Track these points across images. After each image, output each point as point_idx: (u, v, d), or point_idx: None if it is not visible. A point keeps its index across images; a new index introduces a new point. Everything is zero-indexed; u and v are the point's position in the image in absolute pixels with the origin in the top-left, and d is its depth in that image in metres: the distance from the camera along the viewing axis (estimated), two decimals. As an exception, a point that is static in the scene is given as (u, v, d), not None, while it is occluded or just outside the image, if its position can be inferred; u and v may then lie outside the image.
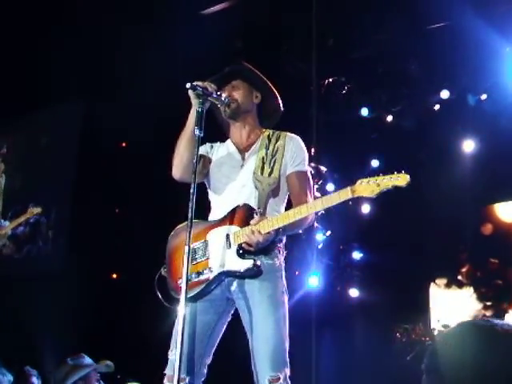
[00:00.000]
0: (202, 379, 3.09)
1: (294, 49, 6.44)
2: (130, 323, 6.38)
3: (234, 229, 3.06)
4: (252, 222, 2.98)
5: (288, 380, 2.97)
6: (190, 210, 2.83)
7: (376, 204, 6.40)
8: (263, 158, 3.22)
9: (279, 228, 2.99)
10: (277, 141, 3.27)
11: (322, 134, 6.21)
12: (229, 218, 3.10)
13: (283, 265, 3.17)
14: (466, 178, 6.15)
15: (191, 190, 2.87)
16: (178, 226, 3.26)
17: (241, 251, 3.02)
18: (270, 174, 3.18)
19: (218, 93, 3.16)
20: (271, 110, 3.42)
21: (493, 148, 6.10)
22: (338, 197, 2.90)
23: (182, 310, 2.76)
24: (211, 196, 3.34)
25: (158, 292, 3.17)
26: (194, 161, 2.96)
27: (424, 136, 6.34)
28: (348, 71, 6.50)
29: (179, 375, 2.71)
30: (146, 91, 6.22)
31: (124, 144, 7.38)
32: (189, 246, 2.80)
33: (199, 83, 3.07)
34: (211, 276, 3.06)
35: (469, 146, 6.23)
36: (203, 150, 3.27)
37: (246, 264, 3.00)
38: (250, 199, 3.13)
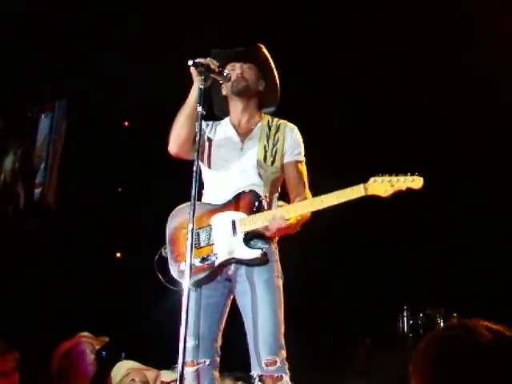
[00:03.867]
0: (218, 358, 3.14)
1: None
2: (134, 302, 6.40)
3: (240, 215, 3.06)
4: (278, 203, 3.03)
5: (285, 362, 3.02)
6: (193, 188, 2.83)
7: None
8: (265, 146, 3.24)
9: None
10: (277, 130, 3.29)
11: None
12: (234, 204, 3.11)
13: (277, 248, 3.19)
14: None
15: (194, 168, 2.87)
16: (178, 207, 3.26)
17: (248, 239, 3.04)
18: (272, 163, 3.21)
19: (220, 69, 3.14)
20: (269, 101, 3.45)
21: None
22: (350, 193, 2.90)
23: (186, 296, 2.76)
24: (206, 177, 3.34)
25: (159, 274, 3.19)
26: (197, 138, 2.97)
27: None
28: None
29: (184, 358, 2.72)
30: (149, 69, 6.19)
31: (127, 123, 7.35)
32: (193, 224, 2.79)
33: (201, 60, 3.06)
34: (216, 262, 3.07)
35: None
36: (198, 127, 3.28)
37: (253, 253, 3.02)
38: (255, 185, 3.15)
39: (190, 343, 3.01)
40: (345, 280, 6.24)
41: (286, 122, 3.37)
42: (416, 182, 2.77)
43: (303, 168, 3.30)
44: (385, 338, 6.10)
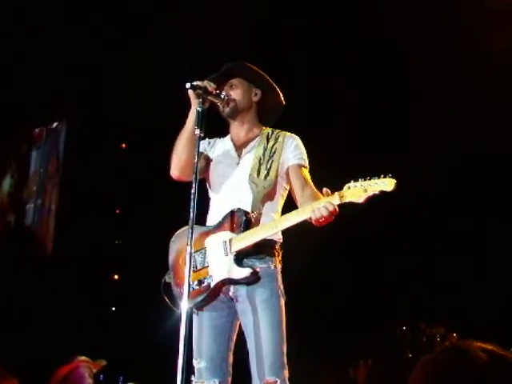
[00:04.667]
0: (230, 378, 3.13)
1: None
2: (131, 324, 6.36)
3: (229, 235, 3.05)
4: (324, 192, 2.88)
5: (287, 382, 2.98)
6: (191, 210, 2.82)
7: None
8: (260, 159, 3.21)
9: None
10: (276, 141, 3.26)
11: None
12: (225, 224, 3.10)
13: (279, 266, 3.15)
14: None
15: (192, 190, 2.87)
16: (178, 232, 3.28)
17: (240, 258, 3.02)
18: (265, 177, 3.16)
19: (218, 91, 3.16)
20: (272, 106, 3.41)
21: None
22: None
23: (183, 317, 2.75)
24: (210, 195, 3.36)
25: (166, 297, 3.20)
26: (195, 160, 2.95)
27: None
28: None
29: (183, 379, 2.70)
30: (145, 91, 6.21)
31: (124, 145, 7.36)
32: (191, 247, 2.78)
33: (199, 83, 3.07)
34: (212, 284, 3.07)
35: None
36: (201, 147, 3.18)
37: (244, 272, 3.00)
38: (245, 201, 3.12)
39: (200, 364, 3.03)
40: (345, 300, 6.22)
41: (286, 132, 3.33)
42: (388, 184, 2.72)
43: (306, 172, 3.24)
44: (385, 359, 6.07)
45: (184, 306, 2.76)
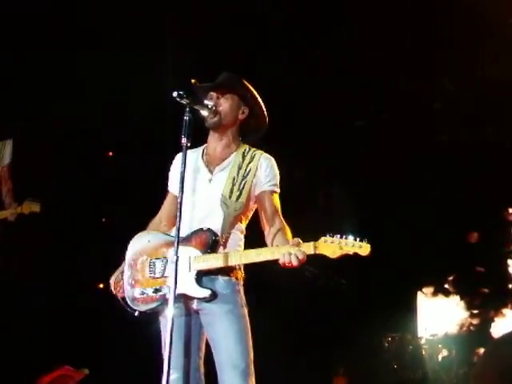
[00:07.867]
0: None
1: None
2: (117, 333, 6.34)
3: (195, 253, 3.06)
4: (292, 242, 2.93)
5: None
6: (177, 219, 2.85)
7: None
8: (234, 179, 3.21)
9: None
10: (250, 161, 3.26)
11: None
12: (192, 240, 3.10)
13: (242, 278, 3.18)
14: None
15: (178, 200, 2.91)
16: (139, 234, 3.32)
17: (201, 276, 3.04)
18: (237, 198, 3.17)
19: (205, 101, 3.18)
20: (255, 127, 3.41)
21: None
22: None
23: (169, 324, 2.79)
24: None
25: (119, 296, 3.24)
26: (182, 170, 2.97)
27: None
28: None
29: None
30: (132, 99, 6.22)
31: (111, 153, 7.35)
32: (177, 254, 2.81)
33: (186, 91, 3.08)
34: (168, 295, 3.01)
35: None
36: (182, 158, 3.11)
37: (202, 293, 3.03)
38: (214, 222, 3.14)
39: (173, 375, 3.00)
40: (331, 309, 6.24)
41: (262, 152, 3.33)
42: (363, 249, 2.82)
43: (277, 199, 3.26)
44: (370, 369, 6.09)
45: (170, 312, 2.80)
